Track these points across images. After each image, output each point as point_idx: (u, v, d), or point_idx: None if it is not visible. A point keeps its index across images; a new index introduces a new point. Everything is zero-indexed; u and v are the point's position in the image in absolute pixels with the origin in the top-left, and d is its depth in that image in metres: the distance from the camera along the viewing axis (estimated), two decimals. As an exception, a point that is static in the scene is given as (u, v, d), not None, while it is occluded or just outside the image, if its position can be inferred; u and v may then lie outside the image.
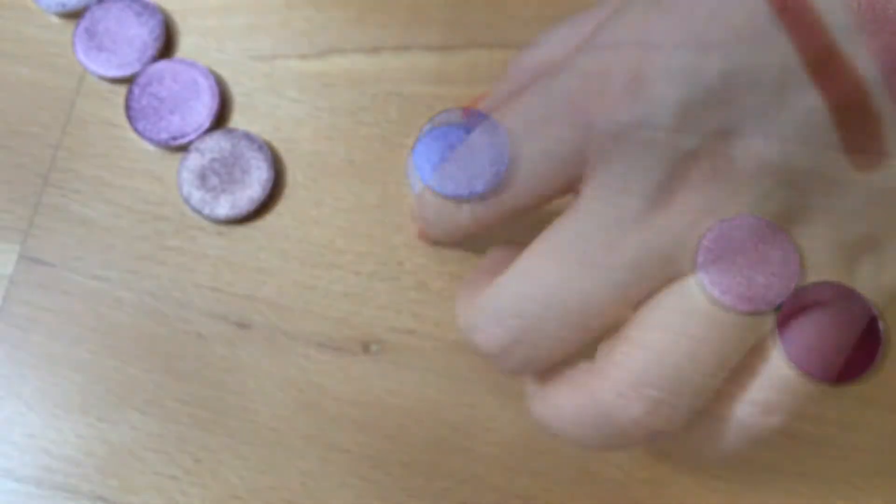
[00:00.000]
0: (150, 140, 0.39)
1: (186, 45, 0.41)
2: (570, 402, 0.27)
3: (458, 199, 0.28)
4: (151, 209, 0.38)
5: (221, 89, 0.40)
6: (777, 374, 0.26)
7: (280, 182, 0.39)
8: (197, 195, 0.38)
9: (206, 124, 0.39)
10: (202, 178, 0.38)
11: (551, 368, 0.28)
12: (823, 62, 0.22)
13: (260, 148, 0.38)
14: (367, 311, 0.37)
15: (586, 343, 0.27)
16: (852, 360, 0.37)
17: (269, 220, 0.38)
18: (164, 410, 0.36)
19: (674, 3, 0.24)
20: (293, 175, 0.39)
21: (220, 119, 0.39)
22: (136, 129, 0.39)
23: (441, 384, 0.36)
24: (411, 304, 0.37)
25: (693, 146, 0.24)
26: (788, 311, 0.37)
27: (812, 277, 0.25)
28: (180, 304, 0.37)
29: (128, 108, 0.39)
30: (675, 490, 0.36)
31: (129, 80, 0.39)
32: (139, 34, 0.40)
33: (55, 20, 0.41)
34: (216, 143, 0.38)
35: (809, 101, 0.23)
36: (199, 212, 0.38)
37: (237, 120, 0.40)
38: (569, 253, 0.25)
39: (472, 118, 0.28)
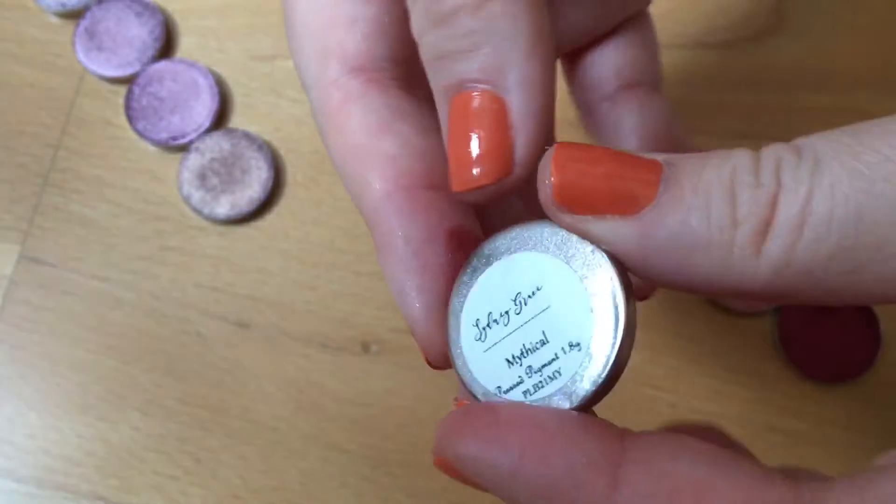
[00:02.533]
0: (150, 140, 0.39)
1: (186, 45, 0.40)
2: None
3: None
4: (151, 209, 0.38)
5: (221, 89, 0.40)
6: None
7: (280, 182, 0.39)
8: (197, 195, 0.38)
9: (206, 124, 0.39)
10: (202, 178, 0.38)
11: None
12: None
13: (260, 148, 0.38)
14: (367, 311, 0.37)
15: None
16: (851, 359, 0.37)
17: (269, 220, 0.38)
18: (164, 410, 0.36)
19: None
20: (293, 175, 0.39)
21: (220, 119, 0.39)
22: (136, 129, 0.39)
23: (441, 384, 0.36)
24: (411, 304, 0.37)
25: None
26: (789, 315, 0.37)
27: None
28: (180, 304, 0.37)
29: (128, 108, 0.39)
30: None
31: (129, 80, 0.39)
32: (139, 34, 0.40)
33: (55, 20, 0.41)
34: (216, 143, 0.38)
35: None
36: (199, 212, 0.38)
37: (237, 120, 0.40)
38: None
39: None
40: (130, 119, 0.39)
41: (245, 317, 0.37)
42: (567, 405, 0.16)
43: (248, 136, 0.39)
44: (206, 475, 0.35)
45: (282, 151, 0.39)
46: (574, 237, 0.17)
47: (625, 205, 0.15)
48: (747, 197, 0.15)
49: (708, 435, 0.19)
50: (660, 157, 0.16)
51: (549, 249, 0.17)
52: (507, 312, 0.17)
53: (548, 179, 0.16)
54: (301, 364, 0.37)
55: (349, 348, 0.37)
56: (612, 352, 0.16)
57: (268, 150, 0.38)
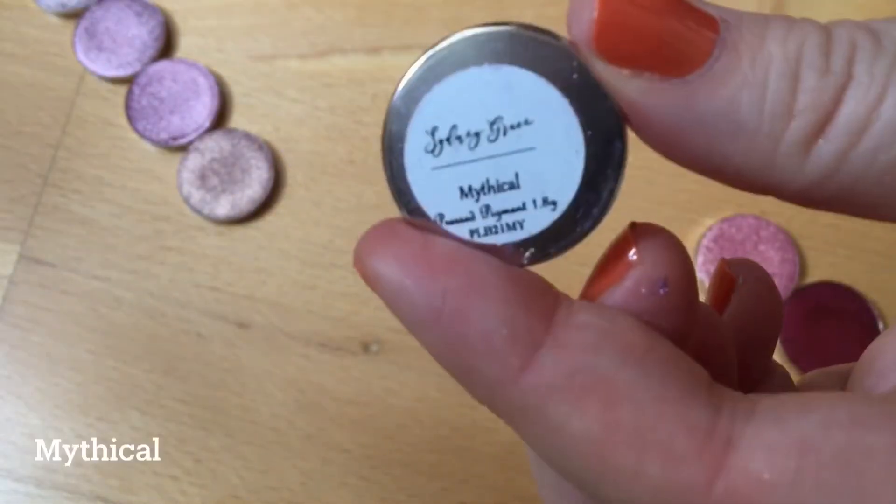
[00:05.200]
0: (150, 140, 0.39)
1: (186, 45, 0.40)
2: None
3: None
4: (151, 209, 0.38)
5: (221, 89, 0.40)
6: None
7: (280, 182, 0.39)
8: (197, 195, 0.38)
9: (206, 124, 0.39)
10: (202, 178, 0.38)
11: None
12: None
13: (260, 148, 0.38)
14: (367, 311, 0.37)
15: None
16: (851, 359, 0.37)
17: (269, 220, 0.38)
18: (164, 410, 0.36)
19: None
20: (293, 175, 0.39)
21: (220, 119, 0.39)
22: (136, 129, 0.39)
23: (441, 384, 0.36)
24: (411, 304, 0.37)
25: None
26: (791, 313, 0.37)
27: None
28: (180, 304, 0.37)
29: (128, 108, 0.39)
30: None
31: (129, 80, 0.39)
32: (139, 34, 0.40)
33: (55, 20, 0.41)
34: (216, 143, 0.38)
35: None
36: (199, 212, 0.38)
37: (237, 120, 0.40)
38: None
39: None
40: (130, 119, 0.39)
41: (245, 317, 0.37)
42: (515, 263, 0.14)
43: (248, 136, 0.39)
44: (205, 475, 0.35)
45: (282, 151, 0.39)
46: (597, 84, 0.14)
47: (673, 64, 0.13)
48: (813, 83, 0.13)
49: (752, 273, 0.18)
50: (713, 11, 0.13)
51: (558, 82, 0.14)
52: (477, 134, 0.14)
53: (588, 13, 0.13)
54: (301, 364, 0.37)
55: (349, 348, 0.37)
56: (590, 227, 0.14)
57: (268, 150, 0.38)
